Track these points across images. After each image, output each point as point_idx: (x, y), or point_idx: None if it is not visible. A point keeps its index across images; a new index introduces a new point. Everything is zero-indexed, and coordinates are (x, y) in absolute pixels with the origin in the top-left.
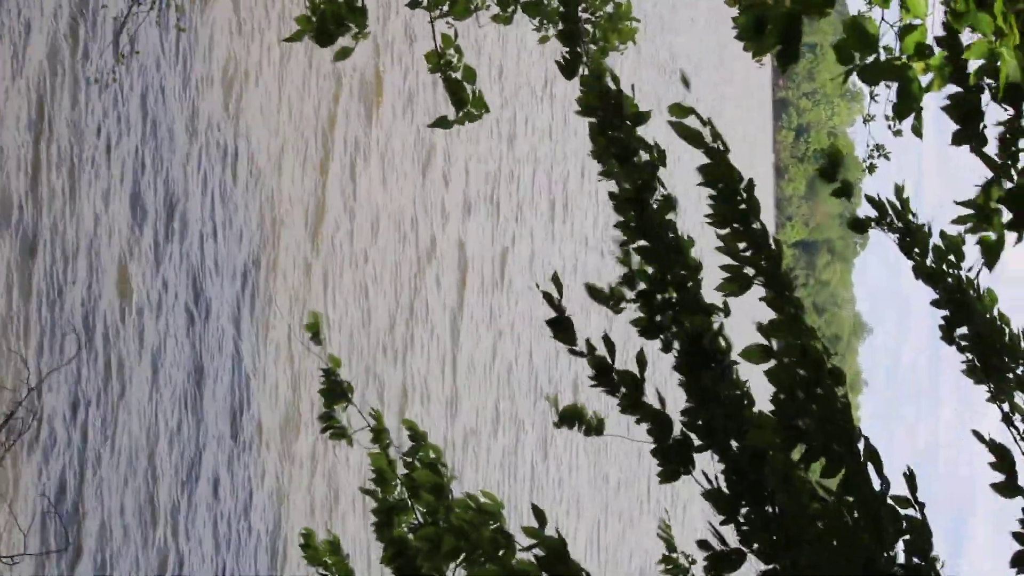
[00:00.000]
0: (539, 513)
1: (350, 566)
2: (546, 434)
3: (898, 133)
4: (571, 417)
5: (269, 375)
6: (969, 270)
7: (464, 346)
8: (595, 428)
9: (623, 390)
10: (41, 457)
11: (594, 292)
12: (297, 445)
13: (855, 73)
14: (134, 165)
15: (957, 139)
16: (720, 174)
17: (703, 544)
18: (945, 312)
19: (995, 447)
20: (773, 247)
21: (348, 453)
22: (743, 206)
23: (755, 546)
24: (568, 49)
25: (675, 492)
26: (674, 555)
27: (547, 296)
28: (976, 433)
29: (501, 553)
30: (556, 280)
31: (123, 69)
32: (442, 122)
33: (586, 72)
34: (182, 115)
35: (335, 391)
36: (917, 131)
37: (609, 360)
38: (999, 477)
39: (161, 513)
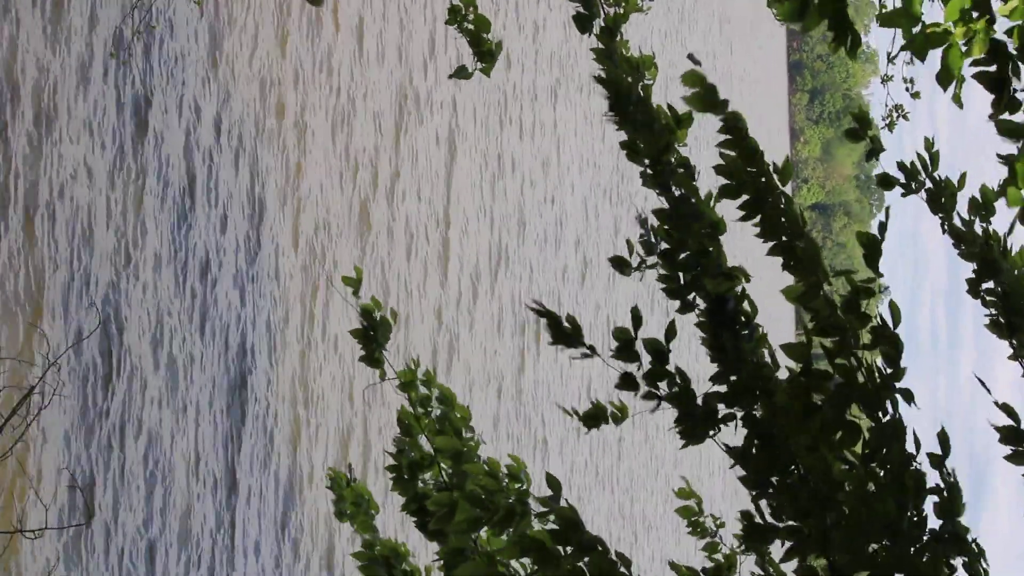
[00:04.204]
0: (554, 482)
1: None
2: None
3: (916, 95)
4: (595, 417)
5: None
6: (1009, 232)
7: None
8: (620, 417)
9: (647, 361)
10: (63, 431)
11: (618, 262)
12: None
13: (908, 46)
14: (150, 141)
15: (996, 108)
16: (737, 144)
17: (746, 515)
18: (973, 265)
19: (1005, 408)
20: (793, 215)
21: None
22: (763, 179)
23: (785, 520)
24: (582, 3)
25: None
26: (701, 518)
27: (539, 311)
28: (999, 405)
29: (517, 521)
30: (540, 306)
31: (139, 45)
32: (461, 72)
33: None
34: (189, 93)
35: (370, 334)
36: (957, 100)
37: (633, 333)
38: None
39: (184, 485)
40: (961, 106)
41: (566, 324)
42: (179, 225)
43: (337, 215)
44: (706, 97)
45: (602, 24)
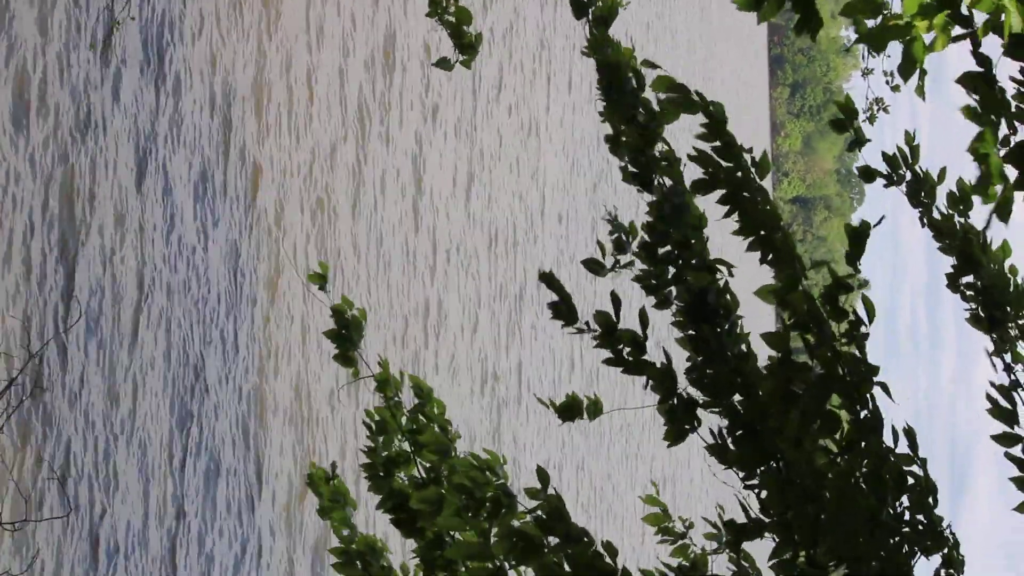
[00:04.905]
0: (542, 473)
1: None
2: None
3: (896, 88)
4: (570, 409)
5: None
6: (987, 227)
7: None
8: (595, 411)
9: (625, 349)
10: (43, 423)
11: (591, 264)
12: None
13: (862, 39)
14: (134, 135)
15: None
16: (718, 138)
17: (730, 524)
18: (952, 260)
19: (1002, 391)
20: (769, 210)
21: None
22: (739, 173)
23: (772, 515)
24: None
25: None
26: (670, 524)
27: (546, 279)
28: (990, 397)
29: (504, 512)
30: (550, 278)
31: (117, 36)
32: (443, 63)
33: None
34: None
35: (343, 335)
36: (920, 92)
37: (615, 318)
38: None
39: (165, 476)
40: (924, 98)
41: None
42: (152, 211)
43: (305, 203)
44: (681, 99)
45: (595, 12)
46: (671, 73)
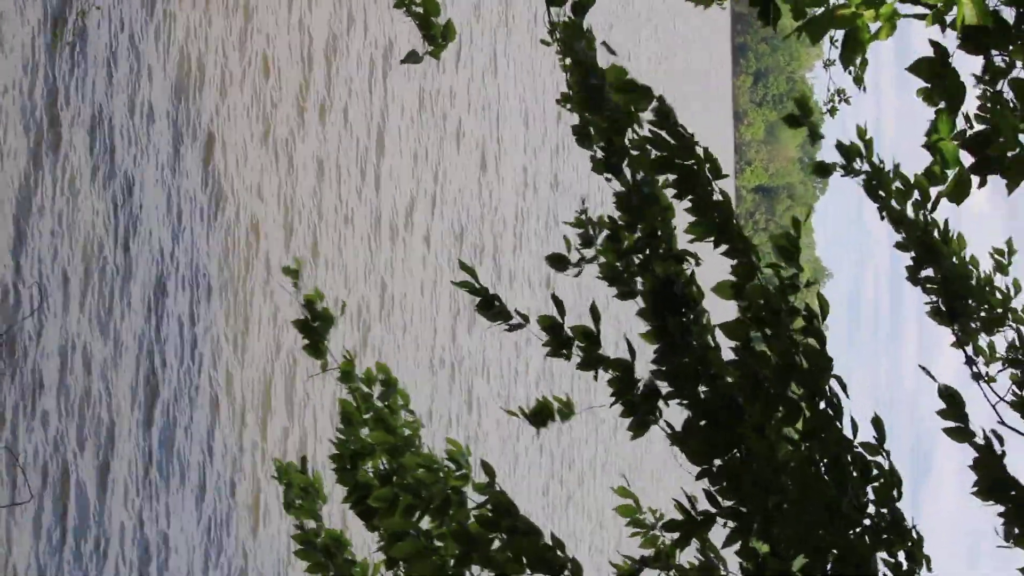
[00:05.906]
0: (488, 468)
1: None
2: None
3: (858, 80)
4: (542, 414)
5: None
6: (933, 210)
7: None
8: (567, 413)
9: (579, 346)
10: (5, 409)
11: (555, 260)
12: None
13: (803, 26)
14: (97, 126)
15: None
16: (664, 137)
17: (677, 516)
18: (911, 253)
19: (946, 392)
20: (722, 199)
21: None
22: (692, 163)
23: (723, 504)
24: None
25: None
26: (641, 515)
27: (463, 285)
28: (941, 388)
29: (454, 510)
30: (466, 267)
31: (82, 24)
32: (413, 57)
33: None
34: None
35: (312, 326)
36: (859, 81)
37: (560, 319)
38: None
39: (129, 461)
40: (861, 86)
41: (493, 300)
42: (112, 196)
43: (265, 190)
44: (631, 92)
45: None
46: (634, 60)
